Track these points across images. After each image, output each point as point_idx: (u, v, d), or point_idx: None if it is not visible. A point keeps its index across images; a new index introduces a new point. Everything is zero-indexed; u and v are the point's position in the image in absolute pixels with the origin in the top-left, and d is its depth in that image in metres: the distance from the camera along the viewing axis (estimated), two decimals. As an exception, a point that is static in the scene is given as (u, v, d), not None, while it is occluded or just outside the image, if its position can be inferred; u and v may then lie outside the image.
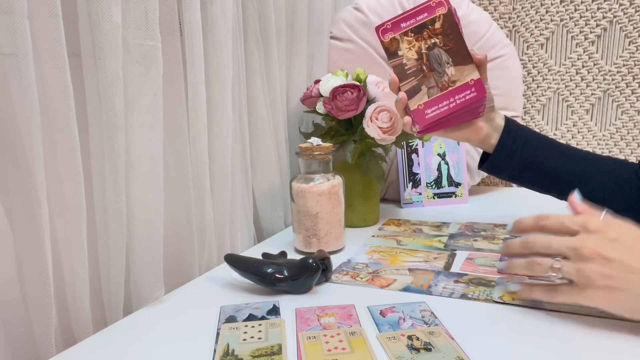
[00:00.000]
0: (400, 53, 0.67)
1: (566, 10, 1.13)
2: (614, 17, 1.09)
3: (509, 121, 0.74)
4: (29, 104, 0.46)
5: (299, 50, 0.97)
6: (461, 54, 0.66)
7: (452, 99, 0.66)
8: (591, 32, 1.12)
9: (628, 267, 0.45)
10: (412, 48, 0.67)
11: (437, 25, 0.66)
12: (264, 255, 0.67)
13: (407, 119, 0.67)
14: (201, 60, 0.67)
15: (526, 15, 1.17)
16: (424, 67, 0.67)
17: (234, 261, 0.63)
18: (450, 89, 0.66)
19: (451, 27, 0.66)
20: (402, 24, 0.68)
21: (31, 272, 0.50)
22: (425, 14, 0.67)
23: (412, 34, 0.67)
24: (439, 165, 1.10)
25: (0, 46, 0.44)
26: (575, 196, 0.55)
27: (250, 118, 0.85)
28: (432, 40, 0.67)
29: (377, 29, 0.68)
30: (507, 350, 0.46)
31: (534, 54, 1.18)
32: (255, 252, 0.72)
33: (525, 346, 0.47)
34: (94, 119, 0.55)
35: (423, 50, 0.67)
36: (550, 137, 0.76)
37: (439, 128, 0.68)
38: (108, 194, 0.56)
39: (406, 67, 0.67)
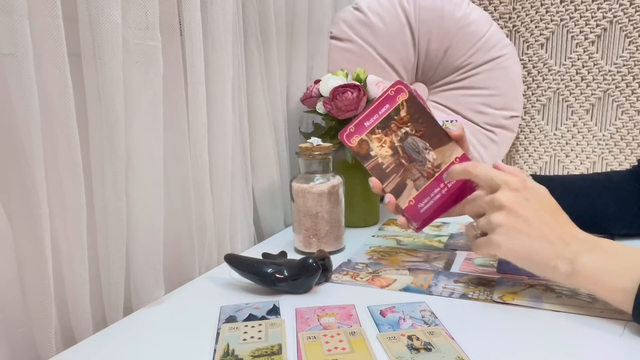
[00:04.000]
0: (373, 154, 0.63)
1: (566, 10, 1.13)
2: (614, 17, 1.09)
3: None
4: (29, 104, 0.46)
5: (299, 50, 0.97)
6: (437, 136, 0.62)
7: (442, 185, 0.62)
8: (591, 32, 1.12)
9: (529, 223, 0.52)
10: (384, 145, 0.63)
11: (403, 113, 0.63)
12: (264, 255, 0.67)
13: (402, 220, 0.63)
14: (201, 60, 0.67)
15: (526, 15, 1.17)
16: (403, 161, 0.63)
17: (234, 261, 0.63)
18: (436, 174, 0.62)
19: (418, 110, 0.63)
20: (365, 123, 0.63)
21: (31, 272, 0.50)
22: (387, 106, 0.63)
23: (379, 130, 0.63)
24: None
25: (0, 46, 0.44)
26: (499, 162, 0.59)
27: (250, 118, 0.85)
28: (403, 130, 0.62)
29: (341, 135, 0.64)
30: (507, 351, 0.46)
31: (534, 54, 1.18)
32: (255, 252, 0.72)
33: (525, 346, 0.47)
34: (94, 119, 0.55)
35: (396, 144, 0.63)
36: (547, 174, 0.77)
37: (437, 217, 0.64)
38: (108, 194, 0.56)
39: (384, 166, 0.63)
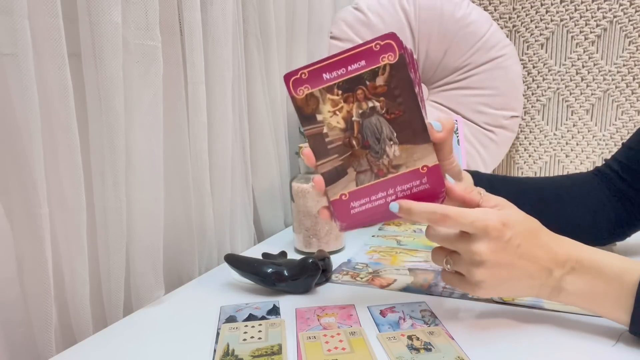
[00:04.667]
0: (319, 118, 0.46)
1: (566, 10, 1.13)
2: (614, 17, 1.09)
3: (476, 180, 0.62)
4: (29, 104, 0.46)
5: (299, 50, 0.97)
6: (412, 128, 0.46)
7: (391, 191, 0.47)
8: (591, 32, 1.12)
9: (513, 266, 0.47)
10: (337, 112, 0.46)
11: (380, 81, 0.45)
12: (264, 255, 0.67)
13: (323, 211, 0.50)
14: (201, 60, 0.67)
15: (526, 15, 1.17)
16: (354, 142, 0.47)
17: (234, 261, 0.63)
18: (390, 176, 0.47)
19: (401, 85, 0.44)
20: (324, 75, 0.45)
21: (31, 272, 0.50)
22: (362, 62, 0.44)
23: (340, 92, 0.45)
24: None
25: (0, 46, 0.44)
26: (450, 181, 0.48)
27: (250, 118, 0.85)
28: (370, 104, 0.45)
29: (287, 77, 0.46)
30: (507, 350, 0.46)
31: (534, 54, 1.18)
32: (255, 252, 0.72)
33: (525, 346, 0.47)
34: (94, 119, 0.55)
35: (354, 118, 0.46)
36: (514, 179, 0.73)
37: (367, 224, 0.50)
38: (108, 194, 0.56)
39: (327, 140, 0.47)
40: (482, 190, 0.50)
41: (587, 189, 0.71)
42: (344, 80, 0.45)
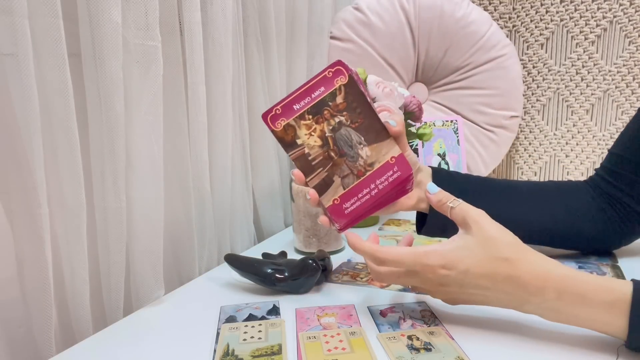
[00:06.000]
0: (299, 142, 0.54)
1: (566, 10, 1.13)
2: (614, 17, 1.09)
3: (436, 177, 0.64)
4: (29, 104, 0.46)
5: (299, 50, 0.97)
6: (374, 129, 0.54)
7: (372, 185, 0.55)
8: (591, 32, 1.12)
9: (468, 293, 0.49)
10: (313, 133, 0.54)
11: (339, 99, 0.54)
12: (264, 255, 0.67)
13: (323, 219, 0.56)
14: (201, 60, 0.67)
15: (526, 15, 1.17)
16: (332, 154, 0.54)
17: (234, 261, 0.63)
18: (368, 173, 0.54)
19: (356, 98, 0.54)
20: (294, 106, 0.55)
21: (31, 272, 0.50)
22: (322, 89, 0.54)
23: (310, 116, 0.54)
24: (439, 165, 1.10)
25: (0, 46, 0.45)
26: (430, 189, 0.54)
27: (250, 118, 0.85)
28: (337, 120, 0.54)
29: (264, 116, 0.55)
30: (507, 350, 0.46)
31: (534, 54, 1.18)
32: (255, 252, 0.72)
33: (525, 346, 0.47)
34: (94, 119, 0.55)
35: (327, 134, 0.54)
36: (480, 177, 0.71)
37: (362, 218, 0.57)
38: (108, 194, 0.56)
39: (310, 158, 0.55)
40: (457, 202, 0.51)
41: (568, 190, 0.70)
42: (311, 106, 0.54)
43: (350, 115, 0.54)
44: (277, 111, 0.55)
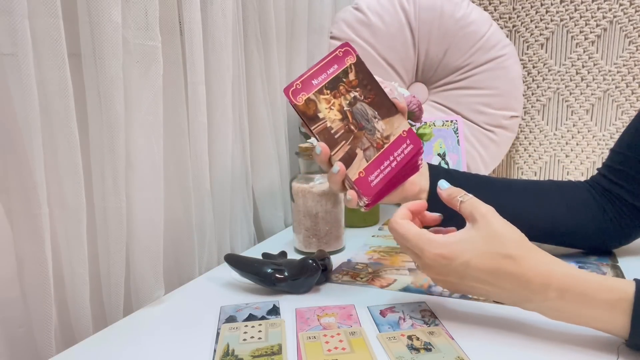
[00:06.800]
0: (321, 116, 0.55)
1: (566, 10, 1.13)
2: (614, 17, 1.09)
3: (433, 170, 0.66)
4: (29, 104, 0.46)
5: (299, 51, 0.97)
6: (385, 105, 0.57)
7: (392, 157, 0.57)
8: (591, 32, 1.12)
9: (467, 285, 0.49)
10: (332, 107, 0.56)
11: (351, 76, 0.57)
12: (264, 255, 0.67)
13: (352, 193, 0.56)
14: (201, 60, 0.67)
15: (526, 15, 1.17)
16: (352, 127, 0.56)
17: (234, 261, 0.63)
18: (386, 146, 0.57)
19: (366, 76, 0.57)
20: (313, 81, 0.56)
21: (31, 272, 0.50)
22: (335, 66, 0.57)
23: (328, 91, 0.56)
24: (439, 165, 1.10)
25: (0, 46, 0.44)
26: (442, 185, 0.55)
27: (250, 118, 0.85)
28: (352, 95, 0.57)
29: (286, 90, 0.56)
30: (507, 350, 0.46)
31: (534, 54, 1.18)
32: (255, 252, 0.72)
33: (525, 346, 0.47)
34: (94, 119, 0.55)
35: (345, 108, 0.56)
36: (480, 175, 0.71)
37: (385, 194, 0.58)
38: (108, 194, 0.56)
39: (333, 131, 0.56)
40: (468, 197, 0.51)
41: (569, 188, 0.70)
42: (328, 81, 0.57)
43: (363, 91, 0.57)
44: (298, 86, 0.56)
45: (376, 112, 0.57)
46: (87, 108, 0.55)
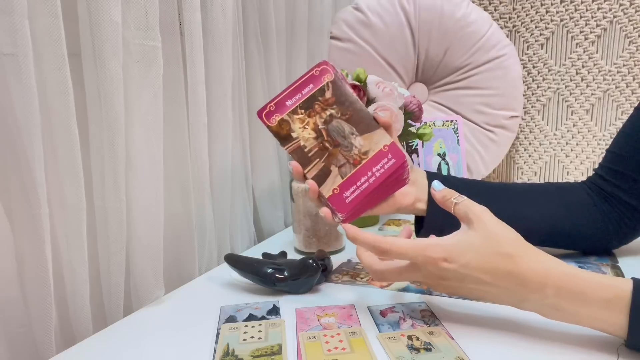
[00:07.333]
0: (294, 135, 0.56)
1: (566, 10, 1.13)
2: (614, 17, 1.09)
3: (431, 177, 0.66)
4: (29, 104, 0.46)
5: (299, 50, 0.97)
6: (364, 121, 0.57)
7: (369, 173, 0.56)
8: (591, 32, 1.12)
9: (468, 289, 0.49)
10: (306, 127, 0.57)
11: (328, 95, 0.57)
12: (264, 255, 0.67)
13: (325, 210, 0.55)
14: (201, 60, 0.67)
15: (526, 15, 1.17)
16: (327, 145, 0.56)
17: (234, 261, 0.63)
18: (364, 162, 0.56)
19: (344, 93, 0.57)
20: (287, 102, 0.57)
21: (31, 272, 0.50)
22: (311, 85, 0.57)
23: (302, 111, 0.57)
24: (439, 165, 1.10)
25: (0, 46, 0.44)
26: (435, 186, 0.54)
27: (250, 118, 0.85)
28: (328, 113, 0.57)
29: (259, 113, 0.57)
30: (507, 350, 0.46)
31: (534, 54, 1.18)
32: (255, 252, 0.72)
33: (525, 346, 0.47)
34: (94, 119, 0.55)
35: (320, 126, 0.56)
36: (477, 180, 0.71)
37: (364, 210, 0.58)
38: (108, 194, 0.56)
39: (306, 150, 0.56)
40: (461, 198, 0.51)
41: (567, 190, 0.70)
42: (303, 101, 0.57)
43: (340, 108, 0.57)
44: (271, 108, 0.57)
45: (354, 129, 0.57)
46: (87, 108, 0.55)
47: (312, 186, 0.55)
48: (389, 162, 0.56)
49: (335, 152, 0.56)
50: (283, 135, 0.57)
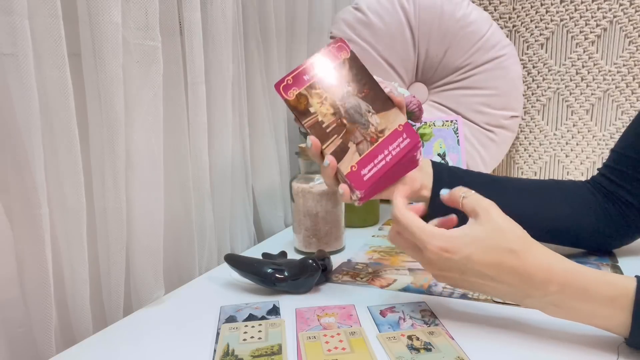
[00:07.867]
0: (312, 110, 0.56)
1: (566, 10, 1.13)
2: (614, 17, 1.09)
3: (436, 167, 0.66)
4: (29, 104, 0.46)
5: (299, 50, 0.97)
6: (380, 99, 0.57)
7: (386, 151, 0.56)
8: (591, 32, 1.12)
9: (468, 281, 0.49)
10: (324, 102, 0.56)
11: (345, 71, 0.57)
12: (264, 255, 0.67)
13: (344, 187, 0.55)
14: (201, 60, 0.67)
15: (526, 15, 1.17)
16: (345, 121, 0.56)
17: (234, 261, 0.63)
18: (380, 140, 0.56)
19: (360, 71, 0.58)
20: (304, 77, 0.56)
21: (31, 272, 0.50)
22: (328, 61, 0.58)
23: (319, 86, 0.57)
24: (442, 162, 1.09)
25: (0, 46, 0.44)
26: (443, 192, 0.54)
27: (250, 118, 0.85)
28: (345, 89, 0.57)
29: (277, 86, 0.56)
30: (507, 350, 0.46)
31: (534, 54, 1.18)
32: (255, 252, 0.72)
33: (525, 346, 0.47)
34: (94, 119, 0.55)
35: (338, 102, 0.56)
36: (485, 173, 0.71)
37: (380, 189, 0.58)
38: (108, 194, 0.56)
39: (324, 125, 0.56)
40: (470, 193, 0.51)
41: (570, 188, 0.70)
42: (320, 77, 0.57)
43: (357, 86, 0.57)
44: (289, 81, 0.56)
45: (370, 106, 0.57)
46: (87, 108, 0.55)
47: (332, 162, 0.55)
48: (404, 142, 0.57)
49: (353, 129, 0.56)
50: (301, 110, 0.56)
